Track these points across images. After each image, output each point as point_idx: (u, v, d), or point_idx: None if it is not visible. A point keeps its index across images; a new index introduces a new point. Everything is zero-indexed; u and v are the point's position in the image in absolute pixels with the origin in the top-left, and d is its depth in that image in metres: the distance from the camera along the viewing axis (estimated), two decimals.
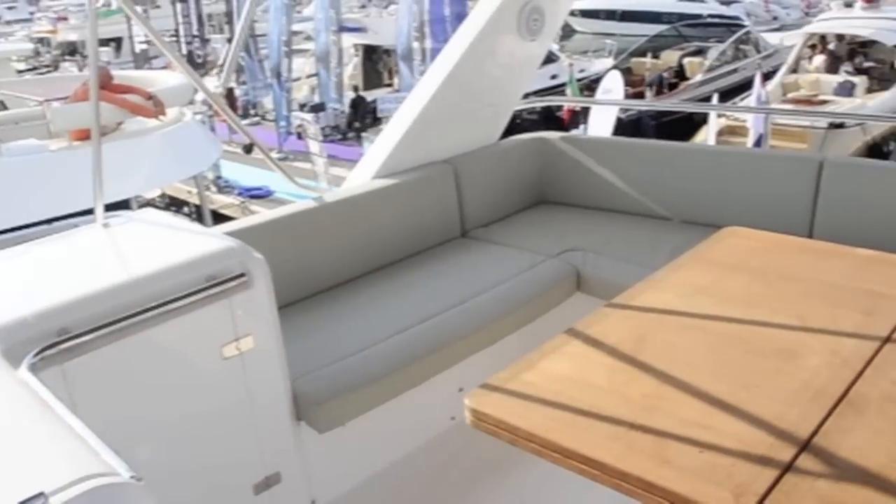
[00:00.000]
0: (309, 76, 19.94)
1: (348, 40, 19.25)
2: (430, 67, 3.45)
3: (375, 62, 21.10)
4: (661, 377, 1.72)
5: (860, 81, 14.28)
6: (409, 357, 2.51)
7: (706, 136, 11.99)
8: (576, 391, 1.69)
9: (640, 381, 1.71)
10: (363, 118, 17.61)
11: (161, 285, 1.94)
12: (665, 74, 16.85)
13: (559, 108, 14.24)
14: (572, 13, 28.93)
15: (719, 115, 12.11)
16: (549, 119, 13.51)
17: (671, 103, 15.94)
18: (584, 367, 1.79)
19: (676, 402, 1.63)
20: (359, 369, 2.43)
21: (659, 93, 16.55)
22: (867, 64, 15.03)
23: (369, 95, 18.61)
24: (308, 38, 20.19)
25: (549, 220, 3.63)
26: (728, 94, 15.25)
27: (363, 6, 27.20)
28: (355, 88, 19.23)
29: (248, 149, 14.90)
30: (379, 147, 3.41)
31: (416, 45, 16.22)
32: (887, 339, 1.81)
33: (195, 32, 21.96)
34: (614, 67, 15.79)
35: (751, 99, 12.63)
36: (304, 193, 3.44)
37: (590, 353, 1.84)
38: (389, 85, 20.28)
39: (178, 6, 21.72)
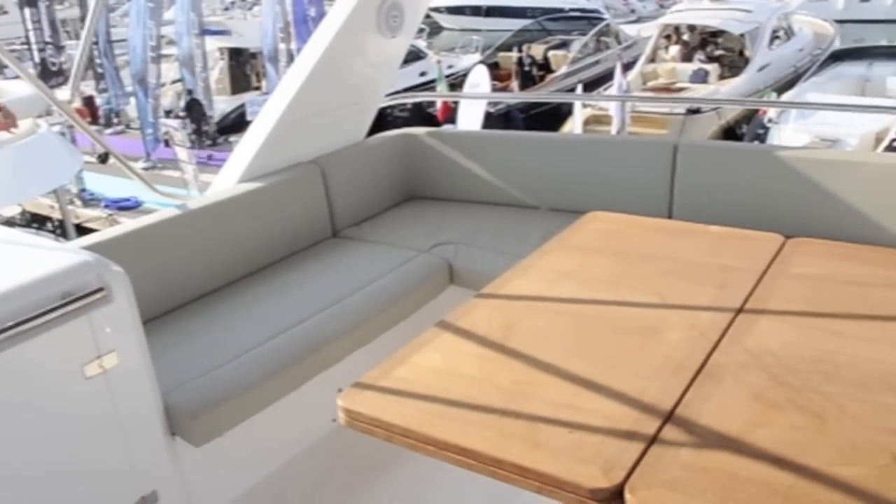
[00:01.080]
0: (174, 81, 19.31)
1: (212, 44, 18.74)
2: (291, 67, 3.40)
3: (242, 65, 20.63)
4: (531, 363, 1.75)
5: (713, 69, 15.02)
6: (285, 362, 2.47)
7: (573, 126, 12.32)
8: (448, 383, 1.70)
9: (511, 368, 1.74)
10: (199, 123, 17.03)
11: (9, 306, 1.83)
12: (526, 60, 17.18)
13: (431, 105, 14.32)
14: (438, 10, 29.25)
15: (585, 106, 12.47)
16: (422, 116, 13.58)
17: (538, 95, 16.32)
18: (455, 359, 1.80)
19: (546, 385, 1.66)
20: (233, 378, 2.37)
21: (524, 80, 16.90)
22: (718, 52, 15.82)
23: (237, 100, 18.17)
24: (171, 43, 19.54)
25: (419, 216, 3.64)
26: (592, 85, 15.74)
27: (226, 8, 26.57)
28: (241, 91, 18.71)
29: (104, 158, 14.26)
30: (242, 150, 3.33)
31: (282, 46, 15.96)
32: (740, 310, 1.91)
33: (48, 39, 20.83)
34: (481, 62, 16.01)
35: (613, 89, 13.06)
36: (167, 202, 3.33)
37: (460, 345, 1.86)
38: (258, 88, 19.89)
39: (28, 11, 20.54)
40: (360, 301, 2.82)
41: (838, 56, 14.87)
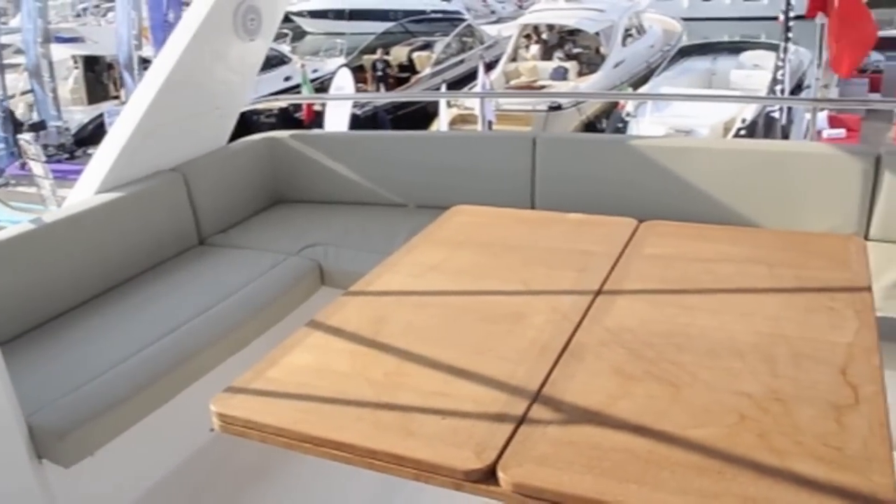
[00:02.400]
0: (24, 93, 18.27)
1: (64, 51, 17.86)
2: (147, 74, 3.31)
3: (99, 74, 19.76)
4: (402, 355, 1.77)
5: (571, 66, 15.54)
6: (155, 373, 2.41)
7: (439, 126, 12.46)
8: (320, 380, 1.70)
9: (382, 362, 1.76)
10: (15, 134, 16.15)
11: None
12: (379, 64, 17.15)
13: (298, 109, 14.17)
14: (301, 14, 28.94)
15: (450, 105, 12.63)
16: (289, 120, 13.41)
17: (405, 94, 16.41)
18: (326, 357, 1.81)
19: (417, 376, 1.69)
20: (101, 394, 2.29)
21: (384, 82, 16.92)
22: (576, 50, 16.38)
23: (95, 109, 17.39)
24: (18, 52, 18.49)
25: (287, 219, 3.62)
26: (457, 85, 15.98)
27: (78, 15, 25.42)
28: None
29: None
30: (99, 160, 3.22)
31: (139, 52, 15.38)
32: (598, 292, 2.00)
33: None
34: (345, 65, 15.95)
35: (477, 88, 13.28)
36: (22, 218, 3.18)
37: (331, 342, 1.87)
38: (117, 97, 19.11)
39: None
40: (231, 307, 2.78)
41: (686, 52, 15.70)
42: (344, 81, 13.46)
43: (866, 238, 3.00)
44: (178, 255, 3.30)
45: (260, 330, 2.80)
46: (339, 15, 29.06)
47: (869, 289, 1.94)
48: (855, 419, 1.47)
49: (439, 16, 24.20)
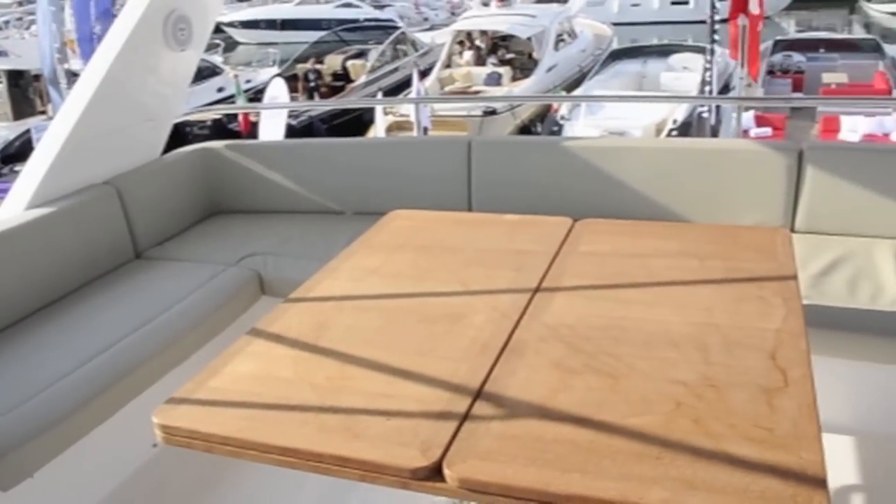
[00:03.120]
0: None
1: None
2: (75, 87, 3.25)
3: (24, 88, 19.23)
4: (344, 359, 1.78)
5: (505, 72, 15.69)
6: (95, 390, 2.37)
7: (375, 133, 12.46)
8: (264, 388, 1.70)
9: (325, 366, 1.76)
10: None
11: None
12: (311, 75, 17.02)
13: (233, 119, 14.00)
14: (232, 24, 28.65)
15: (386, 113, 12.64)
16: (224, 132, 13.23)
17: (339, 103, 16.35)
18: (269, 364, 1.80)
19: (360, 379, 1.70)
20: (40, 412, 2.24)
21: (316, 91, 16.81)
22: (509, 56, 16.55)
23: (22, 125, 16.91)
24: None
25: (225, 230, 3.59)
26: (392, 92, 15.98)
27: (0, 28, 24.74)
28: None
29: None
30: (28, 176, 3.14)
31: (65, 65, 15.02)
32: (536, 290, 2.04)
33: None
34: (279, 75, 15.82)
35: (412, 94, 13.30)
36: None
37: (273, 349, 1.86)
38: (44, 112, 18.62)
39: None
40: (171, 320, 2.75)
41: (616, 55, 16.01)
42: (277, 91, 13.34)
43: (792, 230, 3.10)
44: (114, 270, 3.24)
45: (201, 342, 2.77)
46: (270, 25, 28.85)
47: (795, 277, 2.02)
48: (784, 401, 1.52)
49: (373, 24, 24.21)
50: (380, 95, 15.32)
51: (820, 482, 1.31)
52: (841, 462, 2.53)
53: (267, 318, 2.00)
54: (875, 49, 13.76)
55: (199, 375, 1.78)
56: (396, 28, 21.33)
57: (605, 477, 1.35)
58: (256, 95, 16.22)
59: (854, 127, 9.49)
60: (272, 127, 12.07)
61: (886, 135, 9.30)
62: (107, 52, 3.16)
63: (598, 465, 1.38)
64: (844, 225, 3.03)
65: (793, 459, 1.36)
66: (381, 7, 30.86)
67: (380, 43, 18.99)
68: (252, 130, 13.27)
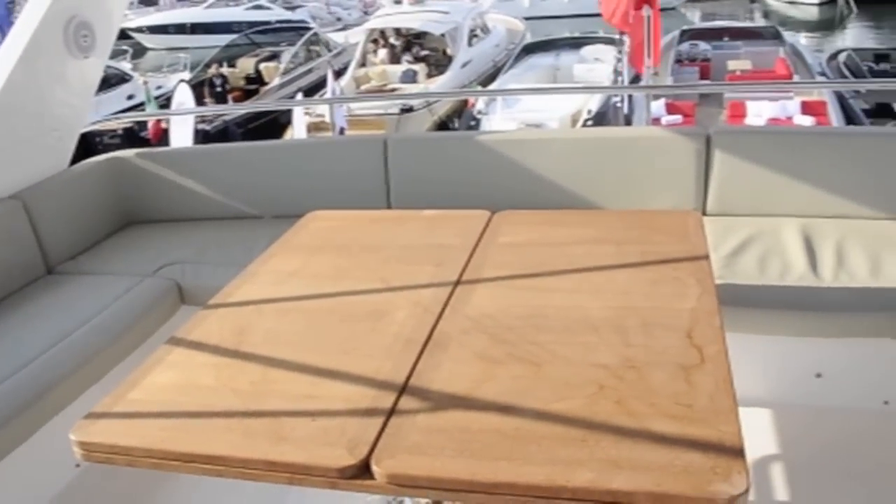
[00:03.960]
0: None
1: None
2: None
3: None
4: (267, 363, 1.76)
5: (420, 69, 15.71)
6: (12, 411, 2.28)
7: (293, 135, 12.32)
8: (185, 397, 1.67)
9: (248, 371, 1.74)
10: None
11: None
12: (216, 80, 16.64)
13: (144, 127, 13.66)
14: (140, 30, 27.93)
15: (306, 113, 12.52)
16: (136, 140, 12.90)
17: (253, 106, 16.11)
18: (189, 372, 1.77)
19: (284, 382, 1.69)
20: None
21: (222, 98, 16.50)
22: (424, 53, 16.59)
23: None
24: None
25: (140, 240, 3.50)
26: (309, 94, 15.82)
27: None
28: None
29: None
30: None
31: None
32: (457, 283, 2.05)
33: None
34: (186, 81, 15.48)
35: (327, 95, 13.20)
36: None
37: (194, 357, 1.83)
38: None
39: None
40: (87, 335, 2.67)
41: (530, 49, 16.21)
42: (184, 97, 13.07)
43: (704, 213, 3.19)
44: (25, 287, 3.13)
45: (120, 356, 2.70)
46: (180, 29, 28.25)
47: (707, 257, 2.08)
48: (702, 377, 1.57)
49: (285, 25, 23.92)
50: (300, 96, 15.15)
51: (738, 452, 1.36)
52: (758, 434, 2.62)
53: (186, 327, 1.97)
54: (775, 36, 14.28)
55: (117, 389, 1.73)
56: (309, 29, 21.13)
57: (532, 462, 1.37)
58: (167, 102, 15.85)
59: (759, 112, 9.83)
60: (181, 133, 11.81)
61: (789, 118, 9.67)
62: (5, 61, 3.04)
63: (525, 452, 1.40)
64: (753, 206, 3.13)
65: (712, 433, 1.41)
66: (293, 8, 30.55)
67: (292, 44, 18.79)
68: (163, 137, 12.97)
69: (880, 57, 13.65)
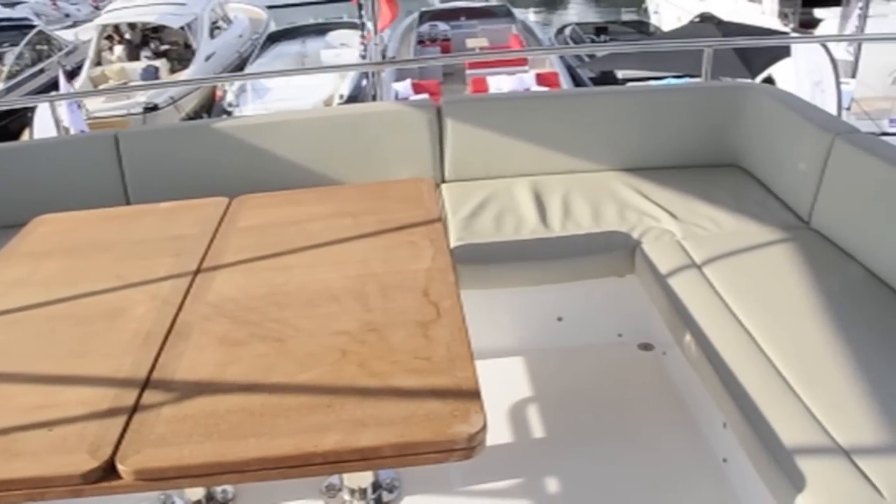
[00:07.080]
0: None
1: None
2: None
3: None
4: None
5: (162, 64, 15.01)
6: None
7: (32, 136, 11.36)
8: None
9: None
10: None
11: None
12: None
13: None
14: None
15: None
16: None
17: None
18: None
19: (16, 395, 1.59)
20: None
21: None
22: (164, 47, 15.82)
23: None
24: None
25: None
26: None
27: None
28: None
29: None
30: None
31: None
32: (197, 271, 2.03)
33: None
34: None
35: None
36: None
37: None
38: None
39: None
40: None
41: (275, 37, 16.02)
42: None
43: (443, 180, 3.34)
44: None
45: None
46: None
47: (440, 220, 2.19)
48: (438, 330, 1.67)
49: (4, 24, 21.89)
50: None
51: (474, 394, 1.46)
52: (509, 380, 2.79)
53: None
54: (507, 14, 15.14)
55: None
56: (32, 27, 19.47)
57: (280, 435, 1.39)
58: None
59: (499, 85, 10.42)
60: None
61: (527, 89, 10.30)
62: None
63: (273, 426, 1.42)
64: (487, 169, 3.32)
65: (449, 380, 1.50)
66: (12, 5, 27.97)
67: (15, 45, 17.26)
68: None
69: (600, 29, 15.05)
